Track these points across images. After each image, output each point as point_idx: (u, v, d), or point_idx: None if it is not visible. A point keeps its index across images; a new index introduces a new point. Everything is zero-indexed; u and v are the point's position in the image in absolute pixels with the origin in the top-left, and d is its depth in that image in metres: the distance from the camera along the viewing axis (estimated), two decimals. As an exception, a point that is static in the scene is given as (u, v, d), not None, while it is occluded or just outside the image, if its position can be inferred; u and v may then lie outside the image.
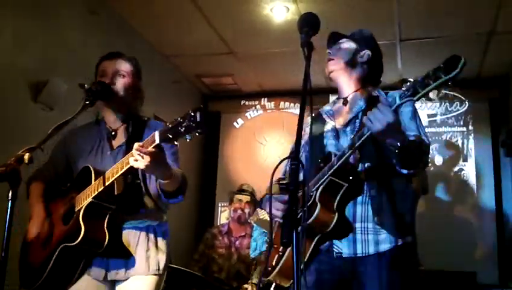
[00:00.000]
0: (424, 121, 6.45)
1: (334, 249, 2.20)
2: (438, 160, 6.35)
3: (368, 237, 2.16)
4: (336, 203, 2.12)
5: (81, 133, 2.64)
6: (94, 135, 2.59)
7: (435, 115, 6.45)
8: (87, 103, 2.35)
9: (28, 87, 3.95)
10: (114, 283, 2.43)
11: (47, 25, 4.13)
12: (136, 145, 2.07)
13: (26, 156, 1.99)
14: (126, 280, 2.39)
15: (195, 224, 6.82)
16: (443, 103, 6.44)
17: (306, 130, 2.53)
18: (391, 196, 2.19)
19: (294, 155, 1.63)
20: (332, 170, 2.10)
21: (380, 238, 2.15)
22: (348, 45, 2.42)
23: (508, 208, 5.91)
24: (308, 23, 1.92)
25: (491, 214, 5.99)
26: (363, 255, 2.15)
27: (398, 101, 1.88)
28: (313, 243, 2.14)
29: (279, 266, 2.22)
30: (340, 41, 2.45)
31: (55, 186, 2.60)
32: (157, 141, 2.02)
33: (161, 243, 2.49)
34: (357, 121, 2.28)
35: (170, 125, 1.96)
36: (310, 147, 2.44)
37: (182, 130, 1.91)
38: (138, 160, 2.06)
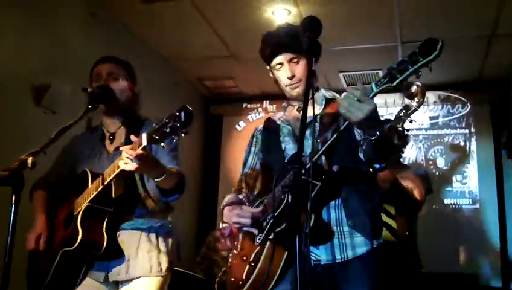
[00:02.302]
0: (426, 123, 6.46)
1: (312, 257, 2.11)
2: (440, 162, 6.35)
3: (345, 241, 2.11)
4: (309, 204, 2.05)
5: (82, 139, 2.66)
6: (93, 140, 2.62)
7: (436, 118, 6.45)
8: (90, 106, 2.37)
9: (30, 91, 3.97)
10: (117, 284, 2.44)
11: (48, 28, 4.15)
12: (124, 148, 2.08)
13: (30, 160, 1.99)
14: (129, 281, 2.40)
15: (197, 227, 6.82)
16: (445, 105, 6.45)
17: (258, 137, 2.53)
18: (362, 198, 2.16)
19: (297, 159, 1.62)
20: (306, 168, 1.97)
21: (356, 242, 2.11)
22: (302, 66, 2.26)
23: (510, 209, 5.90)
24: (310, 27, 1.91)
25: (493, 216, 5.98)
26: (342, 260, 2.10)
27: (374, 90, 1.81)
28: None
29: (252, 279, 2.14)
30: (293, 58, 2.27)
31: (59, 191, 2.61)
32: (144, 143, 2.01)
33: (163, 244, 2.49)
34: (316, 124, 2.20)
35: (156, 126, 1.95)
36: (267, 154, 2.41)
37: (168, 130, 1.90)
38: (128, 163, 2.07)
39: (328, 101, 2.30)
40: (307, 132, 2.18)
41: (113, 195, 2.30)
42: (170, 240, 2.53)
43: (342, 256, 2.10)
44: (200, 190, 7.04)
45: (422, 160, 6.40)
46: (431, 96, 6.35)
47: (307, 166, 1.96)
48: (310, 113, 2.22)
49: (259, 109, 7.06)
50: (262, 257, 2.13)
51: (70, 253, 2.27)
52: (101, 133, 2.63)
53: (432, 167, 6.34)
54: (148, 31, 5.33)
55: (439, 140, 6.41)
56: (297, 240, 1.49)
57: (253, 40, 5.35)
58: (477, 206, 6.14)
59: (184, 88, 6.67)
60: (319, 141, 2.02)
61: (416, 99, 3.29)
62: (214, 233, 5.29)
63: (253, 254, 2.19)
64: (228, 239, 5.10)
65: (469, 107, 6.36)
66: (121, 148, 2.09)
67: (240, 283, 2.19)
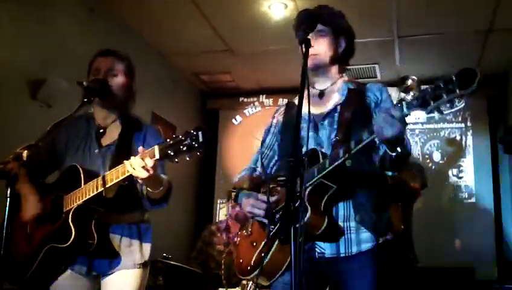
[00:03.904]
0: (422, 117, 6.46)
1: (316, 249, 2.13)
2: (437, 156, 6.36)
3: (351, 236, 2.11)
4: (323, 205, 2.06)
5: (68, 127, 2.56)
6: (82, 131, 2.57)
7: (433, 112, 6.46)
8: (86, 100, 2.35)
9: (27, 84, 3.95)
10: (98, 277, 2.43)
11: (45, 22, 4.13)
12: (137, 158, 2.08)
13: (25, 153, 1.99)
14: (111, 274, 2.40)
15: (194, 221, 6.83)
16: (441, 100, 6.45)
17: (279, 119, 2.50)
18: (370, 194, 2.16)
19: (292, 152, 1.62)
20: (323, 173, 2.01)
21: (362, 237, 2.12)
22: (329, 37, 2.27)
23: (506, 203, 5.92)
24: (305, 21, 1.91)
25: (489, 210, 6.01)
26: (346, 255, 2.10)
27: (406, 112, 1.79)
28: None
29: (260, 267, 2.17)
30: (319, 30, 2.23)
31: (37, 176, 2.56)
32: (156, 157, 2.03)
33: (144, 237, 2.51)
34: (336, 114, 2.21)
35: (171, 142, 1.96)
36: (283, 138, 2.39)
37: (184, 148, 1.92)
38: (138, 170, 2.08)
39: (350, 92, 2.26)
40: (326, 122, 2.22)
41: (103, 194, 2.28)
42: (150, 234, 2.55)
43: (347, 251, 2.11)
44: (197, 184, 7.05)
45: (418, 154, 6.41)
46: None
47: (327, 170, 1.98)
48: (332, 101, 2.25)
49: (256, 103, 7.06)
50: (273, 249, 2.14)
51: (58, 249, 2.26)
52: (92, 125, 2.58)
53: (428, 161, 6.35)
54: (145, 25, 5.31)
55: (435, 134, 6.42)
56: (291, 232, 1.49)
57: (250, 34, 5.45)
58: (473, 200, 6.16)
59: (180, 83, 6.66)
60: (337, 139, 2.08)
61: (411, 93, 3.30)
62: (210, 227, 5.29)
63: (263, 243, 2.21)
64: (224, 233, 5.10)
65: (465, 101, 6.35)
66: (139, 149, 2.10)
67: (249, 268, 2.23)
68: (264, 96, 7.03)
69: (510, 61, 5.85)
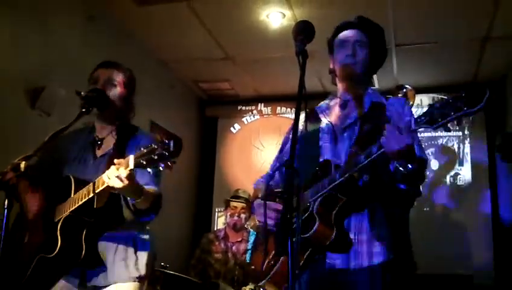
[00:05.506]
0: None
1: (327, 261, 2.12)
2: (434, 164, 6.37)
3: (362, 249, 2.09)
4: (333, 217, 2.05)
5: (69, 138, 2.60)
6: (81, 142, 2.58)
7: (430, 120, 6.47)
8: (84, 110, 2.36)
9: (25, 93, 3.95)
10: (93, 289, 2.42)
11: (45, 30, 4.14)
12: (113, 168, 2.08)
13: (23, 164, 1.99)
14: (105, 286, 2.38)
15: (192, 229, 6.81)
16: (439, 108, 6.46)
17: (300, 127, 2.50)
18: (388, 209, 2.14)
19: (289, 162, 1.62)
20: (332, 185, 2.03)
21: (374, 251, 2.09)
22: (365, 53, 2.29)
23: (503, 211, 5.92)
24: (302, 31, 1.91)
25: (487, 218, 6.00)
26: (357, 267, 2.08)
27: (413, 126, 1.79)
28: (305, 255, 2.09)
29: (270, 275, 2.20)
30: (359, 40, 2.32)
31: (40, 186, 2.55)
32: (131, 166, 2.02)
33: (140, 252, 2.48)
34: (356, 127, 2.21)
35: (144, 151, 1.96)
36: (302, 146, 2.32)
37: (155, 157, 1.91)
38: (113, 180, 2.07)
39: (373, 105, 2.26)
40: (345, 134, 2.23)
41: (95, 206, 2.27)
42: (148, 250, 2.51)
43: (356, 263, 2.09)
44: (195, 192, 7.04)
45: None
46: (425, 98, 6.37)
47: (336, 182, 2.00)
48: (354, 114, 2.25)
49: (254, 112, 7.07)
50: (282, 259, 2.16)
51: (47, 259, 2.25)
52: (91, 136, 2.59)
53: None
54: (145, 33, 5.33)
55: (432, 142, 6.42)
56: (289, 244, 1.49)
57: (249, 43, 5.47)
58: (471, 208, 6.16)
59: (180, 90, 6.68)
60: (353, 150, 2.07)
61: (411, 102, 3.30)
62: (208, 235, 5.29)
63: (273, 253, 2.22)
64: (222, 241, 5.10)
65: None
66: (115, 161, 2.09)
67: (259, 275, 2.27)
68: (263, 104, 7.03)
69: (507, 69, 5.87)
